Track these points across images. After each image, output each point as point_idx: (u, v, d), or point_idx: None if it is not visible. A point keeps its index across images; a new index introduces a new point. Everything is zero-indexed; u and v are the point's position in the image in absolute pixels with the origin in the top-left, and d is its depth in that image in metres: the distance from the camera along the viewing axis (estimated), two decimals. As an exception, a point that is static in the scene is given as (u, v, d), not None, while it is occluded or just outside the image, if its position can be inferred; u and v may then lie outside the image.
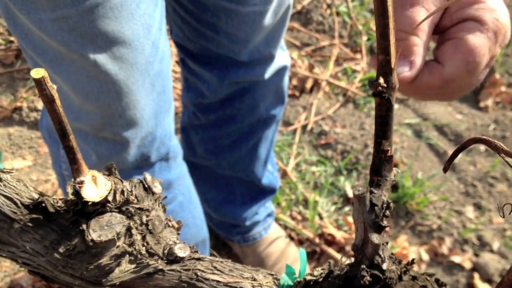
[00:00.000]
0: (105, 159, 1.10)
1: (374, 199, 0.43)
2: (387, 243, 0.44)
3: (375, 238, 0.43)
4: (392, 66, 0.43)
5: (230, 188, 1.66)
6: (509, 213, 0.32)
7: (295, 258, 1.77)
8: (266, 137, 1.54)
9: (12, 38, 2.33)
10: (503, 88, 2.38)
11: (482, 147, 2.20)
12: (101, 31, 0.90)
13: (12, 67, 2.23)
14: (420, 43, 0.64)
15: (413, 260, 0.45)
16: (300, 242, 1.88)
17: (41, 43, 0.94)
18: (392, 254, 0.45)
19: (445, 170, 0.35)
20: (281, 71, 1.40)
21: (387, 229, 1.91)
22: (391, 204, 0.44)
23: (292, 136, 2.17)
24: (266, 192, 1.70)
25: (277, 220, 1.89)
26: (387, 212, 0.44)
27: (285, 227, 1.90)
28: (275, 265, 1.74)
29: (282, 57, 1.40)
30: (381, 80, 0.43)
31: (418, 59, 0.64)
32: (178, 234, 0.51)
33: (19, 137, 2.05)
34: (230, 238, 1.77)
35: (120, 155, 1.09)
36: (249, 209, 1.69)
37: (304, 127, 2.21)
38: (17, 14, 0.91)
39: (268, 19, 1.21)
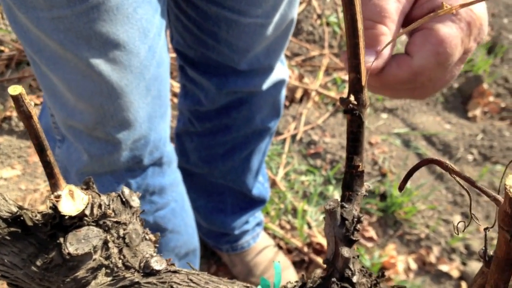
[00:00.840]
0: (97, 158, 1.11)
1: (345, 213, 0.44)
2: (358, 256, 0.45)
3: (345, 251, 0.44)
4: (363, 84, 0.44)
5: (220, 197, 1.66)
6: (463, 230, 0.33)
7: (284, 268, 1.78)
8: (259, 148, 1.55)
9: (2, 48, 2.33)
10: (491, 98, 2.40)
11: (470, 157, 2.22)
12: (95, 32, 0.92)
13: (2, 77, 2.23)
14: (387, 32, 0.62)
15: (383, 273, 0.46)
16: (289, 251, 1.89)
17: (39, 41, 0.96)
18: (363, 267, 0.45)
19: (400, 189, 0.35)
20: (278, 84, 1.41)
21: (375, 238, 1.90)
22: (362, 218, 0.45)
23: (282, 145, 2.18)
24: (256, 202, 1.70)
25: (266, 229, 1.90)
26: (358, 226, 0.45)
27: (274, 236, 1.91)
28: (264, 274, 1.75)
29: (281, 70, 1.41)
30: (352, 98, 0.44)
31: (385, 49, 0.61)
32: (156, 247, 0.52)
33: (8, 147, 2.05)
34: (218, 246, 1.78)
35: (112, 156, 1.10)
36: (238, 219, 1.69)
37: (293, 137, 2.22)
38: (17, 13, 0.94)
39: (270, 31, 1.21)
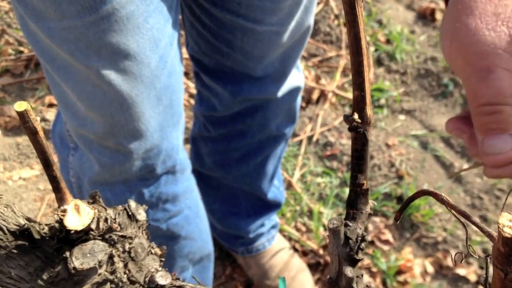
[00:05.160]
0: (108, 168, 1.11)
1: (349, 232, 0.44)
2: (362, 275, 0.45)
3: (349, 271, 0.43)
4: (367, 102, 0.44)
5: (235, 200, 1.66)
6: (461, 262, 0.33)
7: (299, 270, 1.78)
8: (274, 153, 1.55)
9: (22, 49, 2.36)
10: (511, 100, 2.36)
11: (489, 159, 2.19)
12: (106, 42, 0.93)
13: (22, 77, 2.26)
14: None
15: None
16: (304, 254, 1.88)
17: (50, 51, 0.97)
18: (367, 286, 0.45)
19: (396, 219, 0.35)
20: (294, 91, 1.40)
21: (391, 241, 1.89)
22: (366, 237, 0.45)
23: (298, 147, 2.17)
24: (271, 206, 1.70)
25: (281, 231, 1.89)
26: (362, 245, 0.44)
27: (289, 238, 1.91)
28: (278, 276, 1.75)
29: (297, 77, 1.40)
30: (356, 116, 0.44)
31: None
32: (161, 261, 0.52)
33: (27, 147, 2.08)
34: (233, 249, 1.78)
35: (123, 165, 1.10)
36: (253, 222, 1.70)
37: (309, 138, 2.21)
38: (29, 23, 0.95)
39: (285, 39, 1.20)
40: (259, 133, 1.46)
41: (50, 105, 2.20)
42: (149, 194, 1.15)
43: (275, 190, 1.66)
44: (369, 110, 0.44)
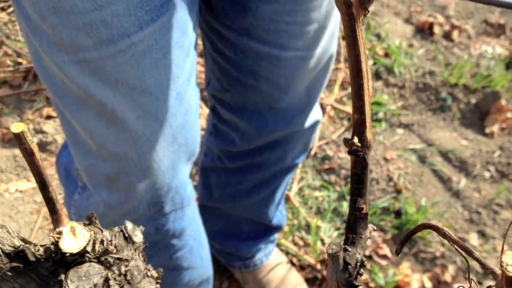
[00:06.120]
0: (117, 209, 1.07)
1: (348, 257, 0.44)
2: (361, 301, 0.44)
3: (348, 297, 0.43)
4: (367, 125, 0.43)
5: (237, 225, 1.65)
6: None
7: (296, 285, 1.77)
8: (284, 182, 1.54)
9: (20, 60, 2.36)
10: (509, 114, 2.37)
11: (487, 174, 2.19)
12: (122, 77, 0.90)
13: (20, 89, 2.26)
14: None
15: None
16: (302, 268, 1.87)
17: (63, 86, 0.94)
18: (366, 312, 0.44)
19: (397, 253, 0.35)
20: (314, 124, 1.37)
21: (389, 255, 1.88)
22: (365, 263, 0.44)
23: (296, 160, 2.17)
24: (273, 229, 1.69)
25: (278, 245, 1.89)
26: (361, 271, 0.44)
27: (286, 253, 1.90)
28: (276, 291, 1.74)
29: (317, 110, 1.37)
30: (356, 139, 0.43)
31: None
32: (158, 283, 0.51)
33: (24, 159, 2.07)
34: (231, 264, 1.77)
35: (132, 206, 1.06)
36: (253, 245, 1.68)
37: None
38: (43, 57, 0.93)
39: (311, 66, 1.17)
40: (274, 166, 1.43)
41: (48, 117, 2.20)
42: (156, 231, 1.12)
43: (279, 215, 1.65)
44: (369, 134, 0.43)
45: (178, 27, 0.92)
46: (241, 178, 1.48)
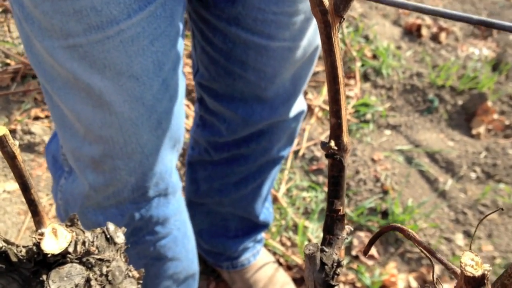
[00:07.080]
0: (102, 191, 1.10)
1: (325, 258, 0.44)
2: (337, 301, 0.45)
3: (324, 297, 0.44)
4: (344, 129, 0.44)
5: (224, 223, 1.66)
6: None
7: (283, 284, 1.78)
8: (271, 176, 1.55)
9: (8, 61, 2.35)
10: (495, 116, 2.39)
11: (473, 175, 2.21)
12: (109, 62, 0.93)
13: (8, 90, 2.25)
14: None
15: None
16: (289, 268, 1.88)
17: (52, 70, 0.97)
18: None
19: (365, 253, 0.36)
20: (299, 115, 1.40)
21: (376, 255, 1.89)
22: (342, 263, 0.45)
23: (284, 161, 2.18)
24: (260, 227, 1.70)
25: (266, 245, 1.89)
26: (338, 271, 0.45)
27: (274, 253, 1.91)
28: (263, 291, 1.75)
29: (302, 101, 1.40)
30: (332, 143, 0.44)
31: None
32: (139, 284, 0.52)
33: (12, 159, 2.06)
34: (218, 264, 1.78)
35: (117, 188, 1.09)
36: (241, 242, 1.69)
37: (296, 153, 2.22)
38: (34, 42, 0.95)
39: (297, 56, 1.20)
40: (261, 157, 1.45)
41: (36, 118, 2.19)
42: (140, 216, 1.14)
43: (266, 212, 1.66)
44: (345, 138, 0.44)
45: (165, 16, 0.95)
46: (228, 171, 1.49)
